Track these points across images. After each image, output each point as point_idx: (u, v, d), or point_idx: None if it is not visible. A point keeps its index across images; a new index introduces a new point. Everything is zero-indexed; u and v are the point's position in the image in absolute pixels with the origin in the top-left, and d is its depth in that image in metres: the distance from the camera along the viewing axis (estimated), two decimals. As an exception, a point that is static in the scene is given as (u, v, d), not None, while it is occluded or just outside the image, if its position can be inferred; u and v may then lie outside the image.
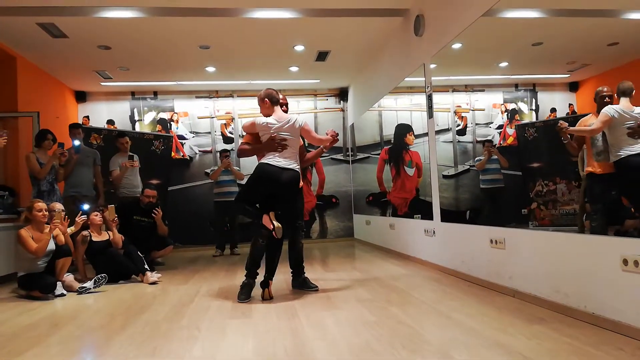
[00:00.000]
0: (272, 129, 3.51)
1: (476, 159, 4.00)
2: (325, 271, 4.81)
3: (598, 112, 2.67)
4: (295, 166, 3.55)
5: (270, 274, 3.56)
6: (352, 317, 2.87)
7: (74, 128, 5.58)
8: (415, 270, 4.57)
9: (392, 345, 2.28)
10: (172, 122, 8.04)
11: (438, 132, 4.60)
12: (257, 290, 3.58)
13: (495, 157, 3.77)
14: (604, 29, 2.76)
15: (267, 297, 3.46)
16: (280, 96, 3.71)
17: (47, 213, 4.13)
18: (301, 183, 3.75)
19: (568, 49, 3.08)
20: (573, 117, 3.08)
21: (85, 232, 4.63)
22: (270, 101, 3.61)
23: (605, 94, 2.64)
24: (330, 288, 3.84)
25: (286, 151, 3.51)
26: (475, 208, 4.13)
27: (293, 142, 3.57)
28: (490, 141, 3.80)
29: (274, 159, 3.48)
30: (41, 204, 4.14)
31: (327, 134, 3.70)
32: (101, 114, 7.88)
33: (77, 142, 5.39)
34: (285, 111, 3.87)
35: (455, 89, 4.44)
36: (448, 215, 4.46)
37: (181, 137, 8.03)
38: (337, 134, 3.70)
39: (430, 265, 4.72)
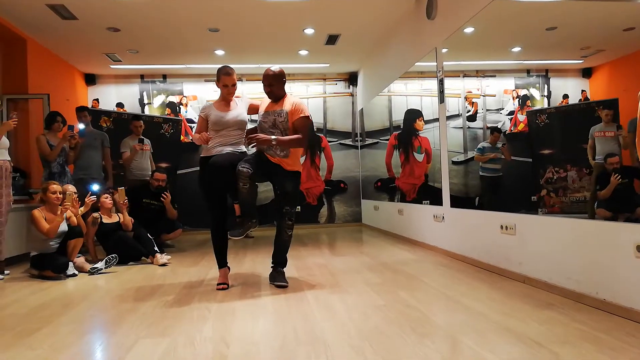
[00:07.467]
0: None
1: (482, 145, 3.98)
2: (334, 255, 4.82)
3: None
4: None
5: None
6: (361, 300, 2.88)
7: (80, 111, 5.58)
8: (423, 256, 4.57)
9: (401, 328, 2.28)
10: (181, 106, 8.04)
11: (448, 117, 4.56)
12: (265, 273, 3.61)
13: (499, 145, 3.83)
14: (619, 14, 2.70)
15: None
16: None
17: (60, 196, 4.16)
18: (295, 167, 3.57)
19: (582, 33, 3.01)
20: (586, 104, 3.04)
21: (95, 214, 4.67)
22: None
23: None
24: (339, 272, 3.86)
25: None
26: (484, 194, 4.11)
27: None
28: (499, 130, 3.79)
29: None
30: (56, 186, 4.17)
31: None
32: (111, 96, 7.89)
33: (81, 126, 5.40)
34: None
35: (466, 74, 4.38)
36: (457, 201, 4.44)
37: (190, 121, 8.02)
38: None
39: (439, 250, 4.72)
